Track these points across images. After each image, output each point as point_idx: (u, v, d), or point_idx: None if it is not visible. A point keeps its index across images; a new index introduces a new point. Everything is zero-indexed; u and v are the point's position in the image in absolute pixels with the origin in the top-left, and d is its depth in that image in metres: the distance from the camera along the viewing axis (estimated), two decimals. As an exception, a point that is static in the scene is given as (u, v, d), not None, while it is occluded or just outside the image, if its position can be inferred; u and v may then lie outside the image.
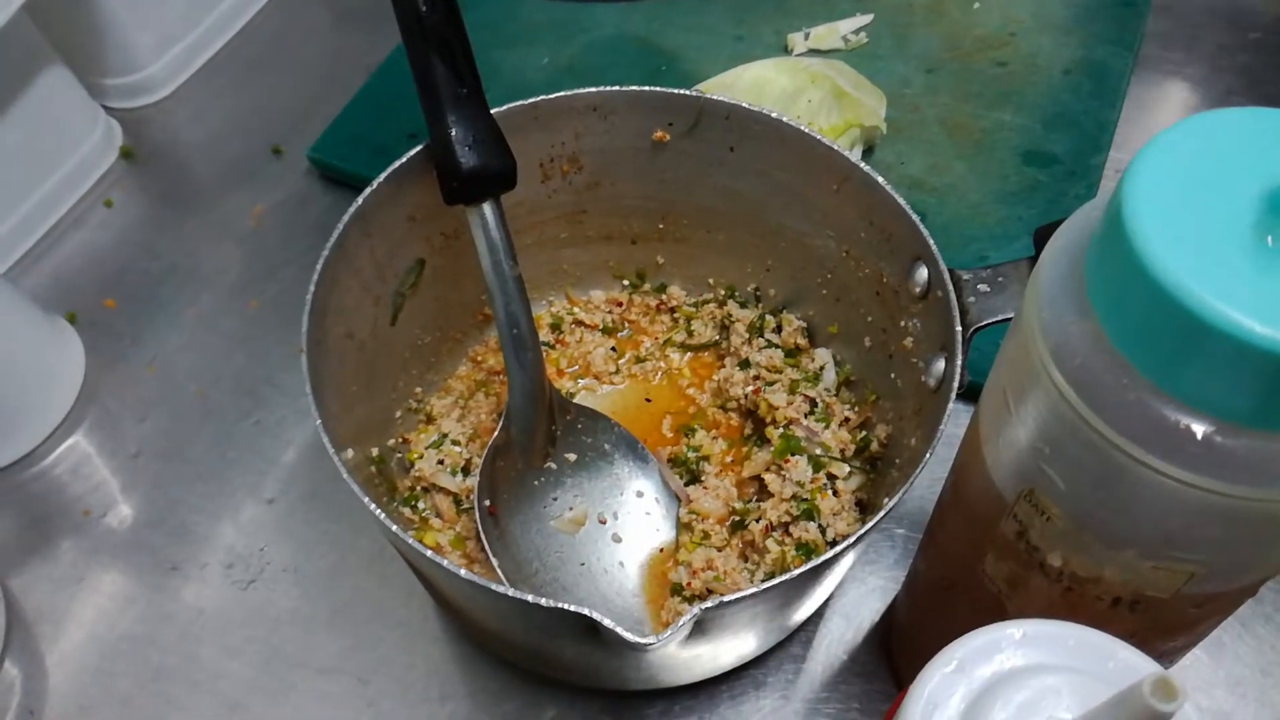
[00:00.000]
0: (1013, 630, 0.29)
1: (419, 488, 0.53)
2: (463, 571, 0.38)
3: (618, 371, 0.58)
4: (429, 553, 0.39)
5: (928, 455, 0.40)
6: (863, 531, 0.39)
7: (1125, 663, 0.28)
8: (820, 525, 0.49)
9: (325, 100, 0.72)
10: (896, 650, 0.50)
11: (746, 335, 0.57)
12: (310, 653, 0.52)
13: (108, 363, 0.63)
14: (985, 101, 0.70)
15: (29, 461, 0.59)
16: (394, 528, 0.39)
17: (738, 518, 0.51)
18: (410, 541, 0.39)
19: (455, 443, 0.54)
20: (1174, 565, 0.31)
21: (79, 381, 0.62)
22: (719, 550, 0.50)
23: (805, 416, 0.53)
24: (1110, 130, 0.68)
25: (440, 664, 0.52)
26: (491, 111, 0.47)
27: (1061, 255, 0.30)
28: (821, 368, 0.55)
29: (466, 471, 0.53)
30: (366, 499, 0.40)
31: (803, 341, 0.56)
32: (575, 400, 0.56)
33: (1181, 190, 0.26)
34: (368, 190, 0.47)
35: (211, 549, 0.56)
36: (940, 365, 0.44)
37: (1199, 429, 0.26)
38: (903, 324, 0.49)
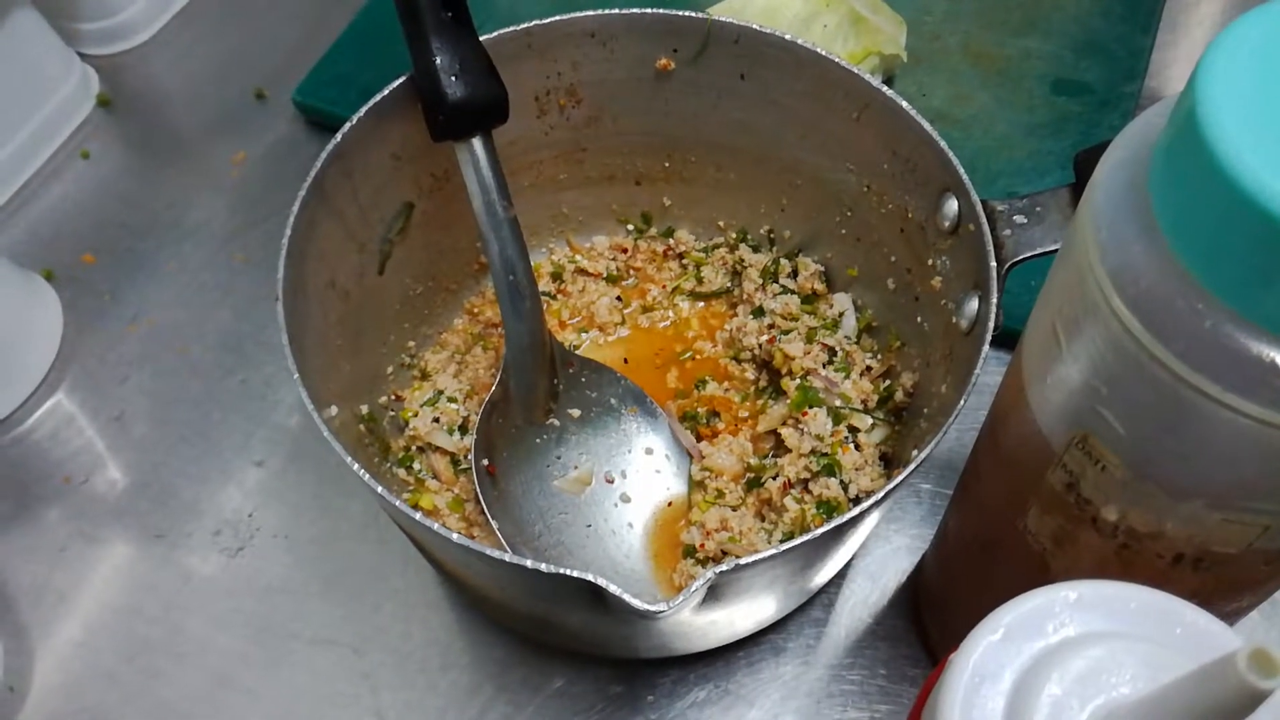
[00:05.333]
0: (1066, 592, 0.26)
1: (414, 447, 0.51)
2: (455, 536, 0.36)
3: (623, 322, 0.56)
4: (419, 516, 0.36)
5: (962, 402, 0.38)
6: (890, 487, 0.37)
7: (1195, 627, 0.26)
8: (842, 481, 0.47)
9: (311, 41, 0.70)
10: (926, 613, 0.48)
11: (760, 281, 0.54)
12: (302, 623, 0.50)
13: (87, 321, 0.61)
14: (1011, 28, 0.67)
15: (6, 426, 0.57)
16: (379, 489, 0.36)
17: (753, 474, 0.49)
18: (399, 505, 0.36)
19: (452, 399, 0.51)
20: (1247, 518, 0.28)
21: (57, 341, 0.60)
22: (734, 509, 0.48)
23: (824, 366, 0.51)
24: (1145, 56, 0.66)
25: (440, 633, 0.50)
26: (481, 39, 0.45)
27: (1120, 169, 0.28)
28: (841, 314, 0.53)
29: (464, 430, 0.51)
30: (349, 458, 0.37)
31: (820, 286, 0.54)
32: (579, 353, 0.54)
33: (1264, 85, 0.23)
34: (346, 126, 0.44)
35: (198, 515, 0.54)
36: (973, 305, 0.41)
37: (1285, 361, 0.24)
38: (930, 263, 0.46)
